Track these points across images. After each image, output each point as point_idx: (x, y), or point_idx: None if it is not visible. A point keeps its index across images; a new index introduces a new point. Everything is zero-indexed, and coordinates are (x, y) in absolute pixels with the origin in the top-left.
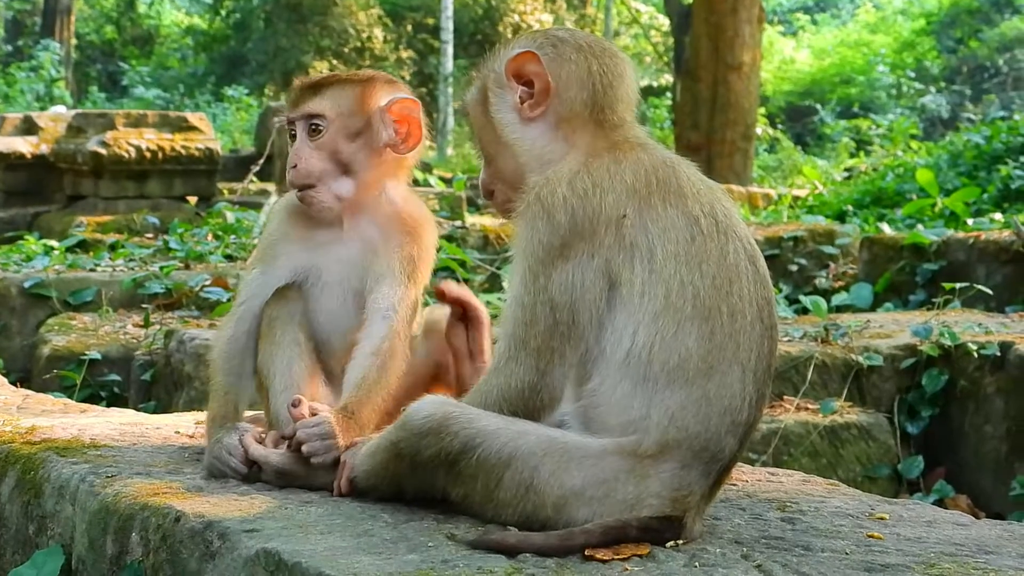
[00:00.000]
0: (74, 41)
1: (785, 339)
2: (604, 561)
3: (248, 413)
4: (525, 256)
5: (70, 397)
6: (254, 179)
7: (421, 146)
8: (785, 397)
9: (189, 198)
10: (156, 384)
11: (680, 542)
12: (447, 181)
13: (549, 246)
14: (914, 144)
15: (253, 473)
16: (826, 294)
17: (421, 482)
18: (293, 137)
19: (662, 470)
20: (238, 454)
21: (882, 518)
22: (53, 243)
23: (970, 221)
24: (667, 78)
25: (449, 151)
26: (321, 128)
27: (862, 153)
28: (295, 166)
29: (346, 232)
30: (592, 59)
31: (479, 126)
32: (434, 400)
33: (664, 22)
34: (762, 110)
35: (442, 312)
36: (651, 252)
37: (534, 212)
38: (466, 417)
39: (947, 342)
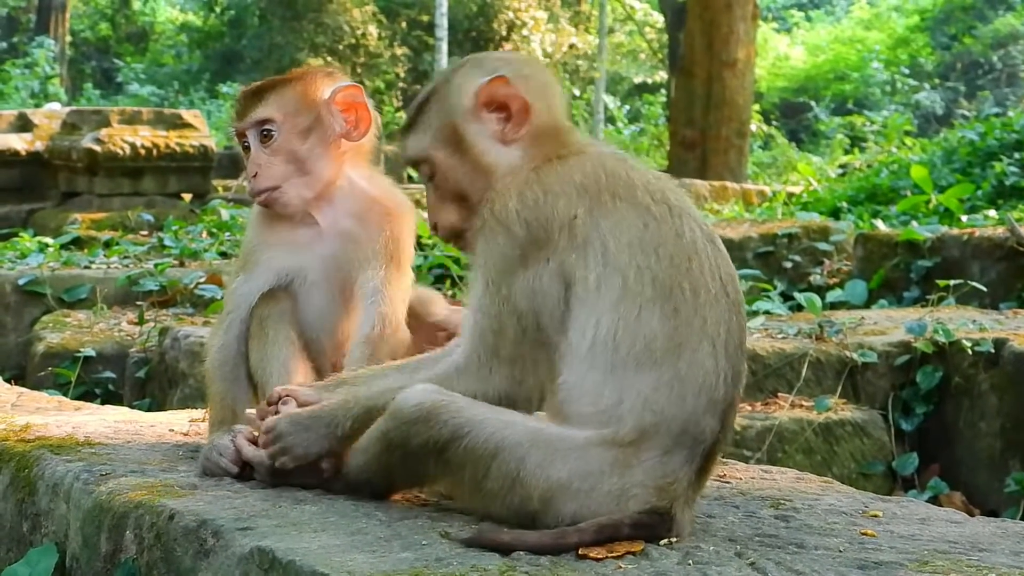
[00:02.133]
0: (69, 38)
1: (779, 336)
2: (598, 559)
3: (250, 410)
4: (486, 269)
5: (64, 395)
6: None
7: (373, 129)
8: (779, 394)
9: (184, 195)
10: (151, 381)
11: (673, 540)
12: None
13: (509, 257)
14: (908, 141)
15: (246, 473)
16: (820, 291)
17: (412, 473)
18: (246, 148)
19: (644, 458)
20: (229, 454)
21: (876, 515)
22: (48, 240)
23: (964, 218)
24: (662, 75)
25: None
26: (272, 133)
27: (856, 150)
28: (255, 175)
29: (324, 228)
30: (539, 72)
31: (449, 168)
32: (424, 388)
33: (659, 19)
34: (756, 107)
35: (428, 295)
36: (604, 246)
37: (491, 228)
38: (455, 406)
39: (941, 339)
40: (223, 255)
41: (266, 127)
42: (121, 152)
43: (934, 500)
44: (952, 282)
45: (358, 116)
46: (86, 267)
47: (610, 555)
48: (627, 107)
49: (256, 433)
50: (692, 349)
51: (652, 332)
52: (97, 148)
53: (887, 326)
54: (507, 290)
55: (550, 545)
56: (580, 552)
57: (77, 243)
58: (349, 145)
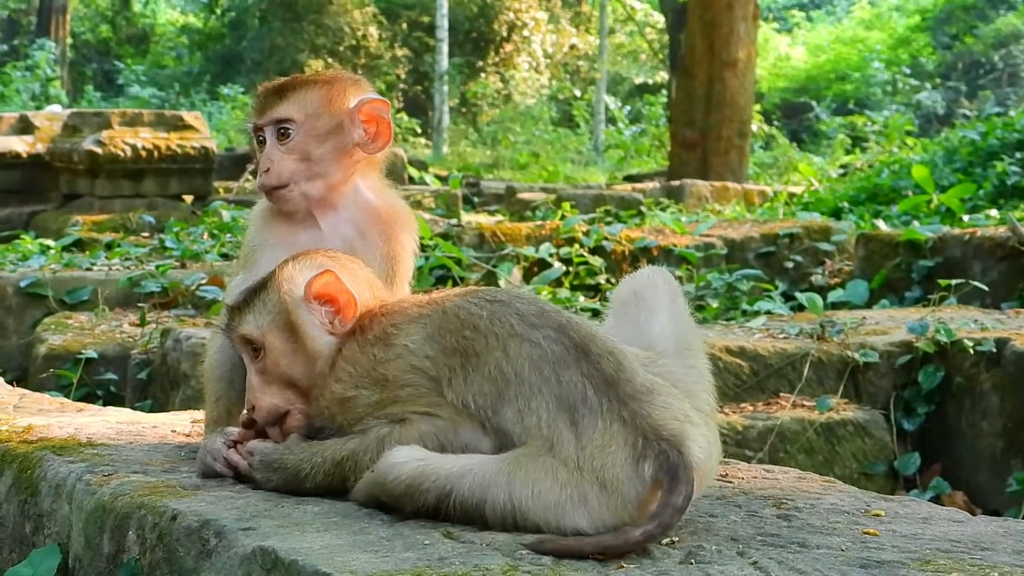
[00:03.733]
0: (70, 40)
1: (781, 336)
2: (601, 559)
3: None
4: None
5: (67, 396)
6: (250, 178)
7: (390, 145)
8: (781, 394)
9: (185, 197)
10: (152, 383)
11: (675, 539)
12: (442, 179)
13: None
14: (910, 141)
15: (239, 476)
16: (822, 291)
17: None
18: (261, 142)
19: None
20: (220, 458)
21: (878, 515)
22: (49, 242)
23: (966, 218)
24: (662, 75)
25: (444, 149)
26: (290, 132)
27: (858, 150)
28: (267, 170)
29: (325, 233)
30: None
31: (281, 352)
32: (403, 457)
33: (659, 19)
34: (757, 107)
35: None
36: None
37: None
38: (432, 469)
39: (943, 339)
40: (224, 256)
41: (284, 126)
42: (122, 154)
43: (936, 500)
44: (954, 282)
45: (379, 129)
46: (88, 269)
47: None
48: (628, 108)
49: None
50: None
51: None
52: (98, 150)
53: (889, 326)
54: None
55: (615, 545)
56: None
57: (78, 245)
58: (362, 154)
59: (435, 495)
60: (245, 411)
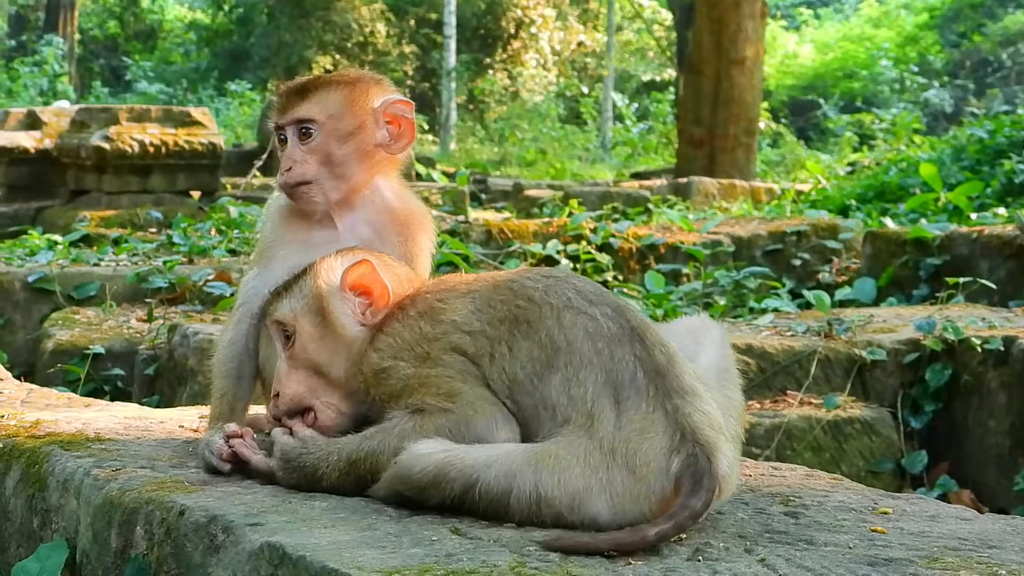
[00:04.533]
0: (77, 36)
1: (788, 334)
2: (613, 556)
3: (255, 409)
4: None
5: (74, 391)
6: (257, 174)
7: (412, 145)
8: (788, 392)
9: (192, 193)
10: (160, 378)
11: (683, 536)
12: (450, 176)
13: None
14: (917, 139)
15: (236, 470)
16: (829, 289)
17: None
18: (283, 141)
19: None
20: (219, 452)
21: (885, 512)
22: (57, 238)
23: (973, 216)
24: (670, 73)
25: (452, 146)
26: (312, 132)
27: (865, 148)
28: (289, 169)
29: (341, 232)
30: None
31: (309, 338)
32: (427, 448)
33: (667, 16)
34: (765, 105)
35: None
36: None
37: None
38: (458, 459)
39: (950, 337)
40: (232, 252)
41: (306, 126)
42: (130, 150)
43: (943, 498)
44: (961, 280)
45: (402, 130)
46: (95, 264)
47: None
48: (635, 105)
49: (254, 432)
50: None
51: None
52: (106, 146)
53: (896, 324)
54: None
55: (630, 542)
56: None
57: (86, 240)
58: (383, 155)
59: (461, 485)
60: (272, 401)
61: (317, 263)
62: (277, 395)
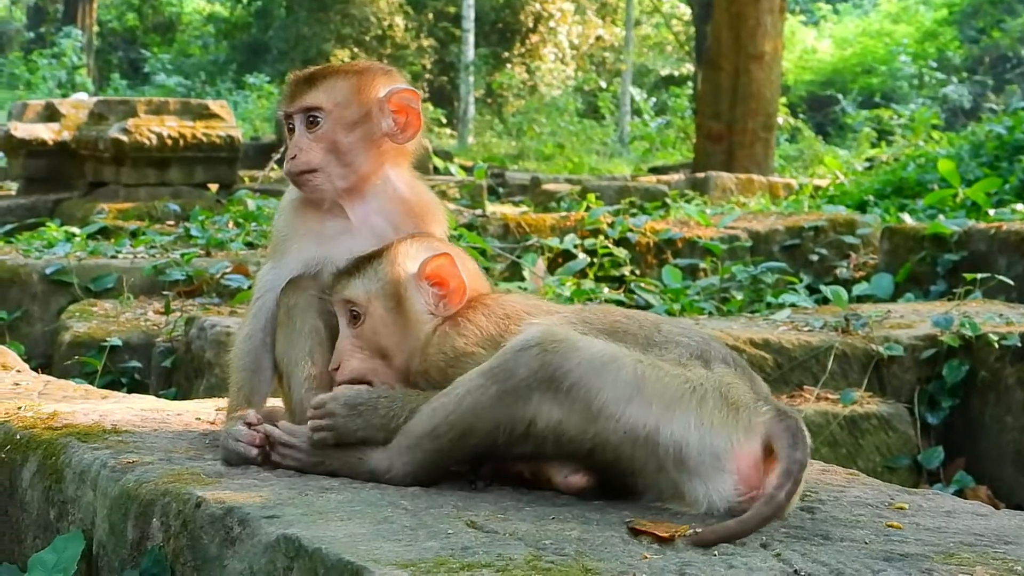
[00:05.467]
0: (96, 28)
1: (805, 329)
2: (641, 532)
3: (271, 401)
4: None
5: (91, 383)
6: (275, 167)
7: (420, 135)
8: (805, 387)
9: (210, 185)
10: (176, 371)
11: (699, 529)
12: (468, 170)
13: None
14: (935, 134)
15: (263, 457)
16: (847, 284)
17: (504, 417)
18: (291, 130)
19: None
20: (245, 438)
21: (901, 508)
22: (74, 230)
23: (991, 212)
24: (688, 67)
25: (470, 140)
26: (319, 120)
27: (883, 143)
28: (294, 157)
29: (354, 223)
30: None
31: (381, 321)
32: (539, 326)
33: (686, 11)
34: (783, 100)
35: None
36: None
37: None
38: (569, 332)
39: (968, 332)
40: (249, 245)
41: (313, 114)
42: (148, 142)
43: (959, 494)
44: (979, 276)
45: (408, 119)
46: (112, 257)
47: (656, 532)
48: (653, 99)
49: (267, 425)
50: None
51: None
52: (124, 138)
53: (913, 320)
54: None
55: (769, 513)
56: (635, 528)
57: (104, 233)
58: (392, 145)
59: (564, 349)
60: (329, 369)
61: (393, 247)
62: (336, 368)
